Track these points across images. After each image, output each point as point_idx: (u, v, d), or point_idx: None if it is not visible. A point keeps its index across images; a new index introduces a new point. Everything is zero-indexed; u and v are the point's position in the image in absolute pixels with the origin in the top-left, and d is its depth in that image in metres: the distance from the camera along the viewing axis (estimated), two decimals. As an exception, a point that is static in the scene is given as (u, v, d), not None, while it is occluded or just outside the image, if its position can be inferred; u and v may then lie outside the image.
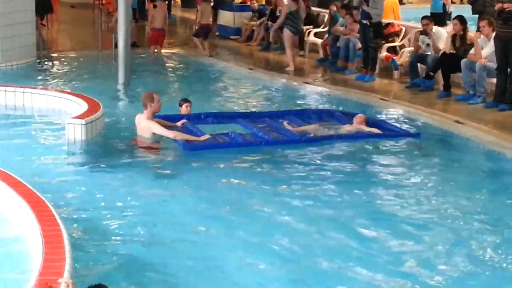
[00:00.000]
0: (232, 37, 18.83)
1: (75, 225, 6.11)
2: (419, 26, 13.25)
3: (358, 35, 13.93)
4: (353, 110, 10.61)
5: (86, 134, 8.59)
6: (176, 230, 6.28)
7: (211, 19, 17.11)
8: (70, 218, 6.22)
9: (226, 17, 19.36)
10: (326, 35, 15.69)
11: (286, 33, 14.58)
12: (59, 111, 10.03)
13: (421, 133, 9.63)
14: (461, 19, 12.12)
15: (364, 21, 13.29)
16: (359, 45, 13.88)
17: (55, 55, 15.49)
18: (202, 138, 8.78)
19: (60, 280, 4.40)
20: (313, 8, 17.56)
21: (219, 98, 11.91)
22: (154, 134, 8.82)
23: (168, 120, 9.26)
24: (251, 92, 12.87)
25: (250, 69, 14.64)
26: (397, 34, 14.45)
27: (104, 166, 7.90)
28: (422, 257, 5.86)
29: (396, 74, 13.49)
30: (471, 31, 12.53)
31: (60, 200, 6.66)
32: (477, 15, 14.11)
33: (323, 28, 16.55)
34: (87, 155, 8.32)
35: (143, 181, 7.53)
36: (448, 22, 17.28)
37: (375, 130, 9.48)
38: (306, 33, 16.37)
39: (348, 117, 10.15)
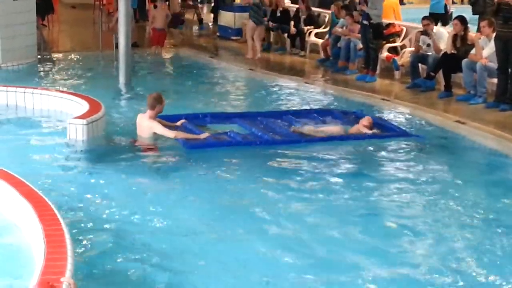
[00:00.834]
0: (233, 37, 18.83)
1: (76, 225, 6.11)
2: (419, 26, 13.25)
3: (358, 35, 13.94)
4: (354, 110, 10.62)
5: (88, 134, 8.60)
6: (178, 229, 6.28)
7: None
8: (71, 217, 6.23)
9: (226, 18, 19.36)
10: (327, 36, 15.69)
11: (250, 24, 16.17)
12: (60, 111, 10.04)
13: (419, 135, 9.63)
14: (461, 20, 12.13)
15: (365, 22, 13.30)
16: (360, 45, 13.89)
17: (56, 55, 15.49)
18: (202, 136, 8.81)
19: (62, 279, 4.41)
20: (314, 9, 17.56)
21: (219, 98, 11.91)
22: (154, 134, 8.82)
23: (166, 120, 9.25)
24: (251, 93, 12.87)
25: (250, 69, 14.65)
26: (398, 34, 14.44)
27: (106, 166, 7.92)
28: (424, 255, 5.88)
29: (397, 74, 13.49)
30: (472, 32, 12.54)
31: (62, 199, 6.68)
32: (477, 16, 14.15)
33: (324, 28, 16.55)
34: (89, 155, 8.32)
35: (145, 181, 7.54)
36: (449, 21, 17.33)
37: (377, 132, 9.47)
38: (307, 34, 16.38)
39: (347, 116, 10.16)
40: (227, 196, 7.17)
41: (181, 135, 8.76)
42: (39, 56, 14.69)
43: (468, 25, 12.28)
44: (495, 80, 11.23)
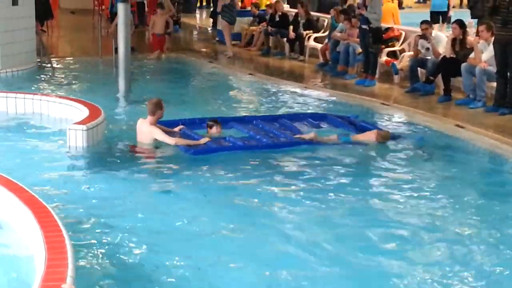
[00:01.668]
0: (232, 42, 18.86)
1: (77, 231, 6.11)
2: (418, 30, 13.28)
3: (357, 40, 13.96)
4: (352, 114, 10.63)
5: (88, 140, 8.60)
6: (181, 234, 6.28)
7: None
8: (72, 223, 6.21)
9: (225, 23, 19.38)
10: (326, 40, 15.72)
11: (224, 24, 17.12)
12: (60, 117, 10.04)
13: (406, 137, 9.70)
14: (460, 23, 12.15)
15: (364, 26, 13.32)
16: (359, 49, 13.91)
17: (55, 61, 15.49)
18: (202, 141, 8.80)
19: (63, 286, 4.41)
20: (313, 13, 17.59)
21: (218, 102, 11.91)
22: (155, 140, 8.83)
23: (163, 125, 9.24)
24: (251, 97, 12.88)
25: (250, 74, 14.67)
26: (397, 38, 14.47)
27: (106, 171, 7.91)
28: (422, 259, 5.88)
29: (396, 78, 13.52)
30: (471, 35, 12.56)
31: (62, 206, 6.68)
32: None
33: (323, 33, 16.57)
34: (89, 161, 8.32)
35: (145, 187, 7.54)
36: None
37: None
38: (306, 38, 16.40)
39: (341, 120, 10.18)
40: (229, 202, 7.16)
41: (182, 141, 8.76)
42: (38, 62, 14.70)
43: (467, 28, 12.31)
44: (494, 84, 11.25)
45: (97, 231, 6.27)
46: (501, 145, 9.31)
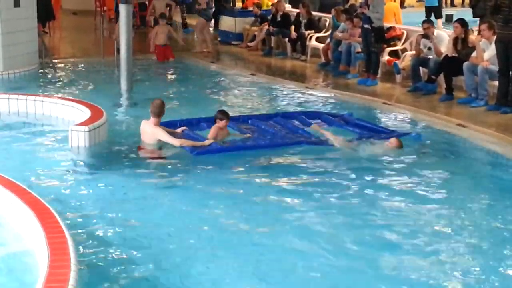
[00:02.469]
0: (233, 42, 18.87)
1: (80, 232, 6.12)
2: (420, 29, 13.26)
3: (359, 39, 13.95)
4: (342, 113, 10.66)
5: (90, 141, 8.61)
6: (182, 236, 6.28)
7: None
8: (75, 225, 6.23)
9: (227, 23, 19.41)
10: (328, 40, 15.71)
11: (201, 21, 17.88)
12: (62, 118, 10.05)
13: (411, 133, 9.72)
14: (462, 22, 12.13)
15: (366, 26, 13.32)
16: (358, 48, 13.94)
17: (57, 62, 15.50)
18: (207, 142, 8.80)
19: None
20: (315, 13, 17.58)
21: (220, 103, 11.91)
22: (159, 140, 8.83)
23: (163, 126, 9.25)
24: (252, 97, 12.87)
25: (252, 74, 14.68)
26: (398, 38, 14.46)
27: (108, 173, 7.92)
28: (424, 259, 5.88)
29: (398, 78, 13.51)
30: (473, 34, 12.55)
31: (64, 207, 6.69)
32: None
33: (324, 32, 16.56)
34: (91, 162, 8.33)
35: (148, 188, 7.54)
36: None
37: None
38: (308, 38, 16.39)
39: (335, 119, 10.20)
40: (234, 202, 7.17)
41: (187, 142, 8.75)
42: (40, 63, 14.71)
43: (469, 27, 12.30)
44: (496, 83, 11.23)
45: (99, 231, 6.28)
46: (503, 143, 9.31)
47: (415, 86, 12.64)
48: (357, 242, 6.18)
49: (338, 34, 14.81)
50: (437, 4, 19.62)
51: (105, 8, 22.72)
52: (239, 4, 22.53)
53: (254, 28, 18.51)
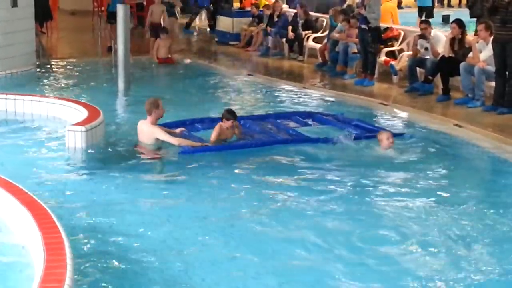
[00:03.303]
0: (231, 42, 18.87)
1: (76, 233, 6.12)
2: (417, 30, 13.28)
3: (356, 40, 13.97)
4: (333, 113, 10.71)
5: (87, 141, 8.61)
6: (180, 236, 6.28)
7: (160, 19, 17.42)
8: (71, 225, 6.23)
9: (225, 23, 19.40)
10: (325, 40, 15.72)
11: (173, 20, 18.48)
12: (59, 118, 10.05)
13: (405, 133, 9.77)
14: (459, 23, 12.15)
15: (363, 26, 13.33)
16: (354, 49, 13.96)
17: (55, 62, 15.51)
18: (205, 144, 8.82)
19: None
20: (312, 13, 17.59)
21: (217, 103, 11.90)
22: (157, 140, 8.83)
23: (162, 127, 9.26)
24: (249, 98, 12.89)
25: (249, 74, 14.68)
26: (395, 38, 14.48)
27: (105, 173, 7.92)
28: (420, 260, 5.89)
29: (395, 78, 13.52)
30: (470, 34, 12.58)
31: (61, 207, 6.68)
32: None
33: (322, 33, 16.57)
34: (88, 162, 8.33)
35: (145, 188, 7.56)
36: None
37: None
38: (305, 38, 16.40)
39: (326, 118, 10.23)
40: (230, 202, 7.18)
41: (185, 142, 8.76)
42: (38, 63, 14.71)
43: (466, 28, 12.33)
44: (493, 83, 11.26)
45: (96, 232, 6.28)
46: (500, 144, 9.32)
47: (412, 86, 12.66)
48: (364, 239, 6.22)
49: (335, 34, 14.83)
50: (430, 5, 19.64)
51: (102, 8, 22.68)
52: (236, 4, 22.53)
53: (252, 28, 18.51)
